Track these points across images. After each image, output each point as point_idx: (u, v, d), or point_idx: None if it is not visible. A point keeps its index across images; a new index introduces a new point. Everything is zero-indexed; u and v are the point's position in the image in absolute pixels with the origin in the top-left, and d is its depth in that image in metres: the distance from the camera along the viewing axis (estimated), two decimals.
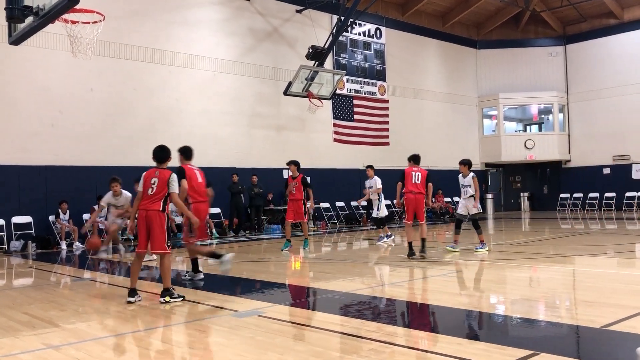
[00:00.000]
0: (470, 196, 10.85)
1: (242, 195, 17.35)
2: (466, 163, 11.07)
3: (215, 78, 18.20)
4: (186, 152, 7.91)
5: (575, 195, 25.42)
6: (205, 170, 16.99)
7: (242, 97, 18.80)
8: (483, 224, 19.65)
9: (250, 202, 17.61)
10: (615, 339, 4.59)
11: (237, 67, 18.73)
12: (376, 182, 13.18)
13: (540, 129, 28.82)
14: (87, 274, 9.91)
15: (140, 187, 6.72)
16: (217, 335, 4.98)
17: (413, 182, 10.26)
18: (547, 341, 4.75)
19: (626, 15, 25.44)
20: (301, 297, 7.20)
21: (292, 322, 5.46)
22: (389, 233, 13.25)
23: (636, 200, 23.37)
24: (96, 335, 5.13)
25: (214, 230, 16.51)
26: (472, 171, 11.17)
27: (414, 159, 10.57)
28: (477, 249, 10.68)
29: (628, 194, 24.01)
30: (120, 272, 10.18)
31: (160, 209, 6.62)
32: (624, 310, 5.52)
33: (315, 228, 18.69)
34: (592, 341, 4.69)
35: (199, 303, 6.53)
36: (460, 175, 11.17)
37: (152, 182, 6.72)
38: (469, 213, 10.90)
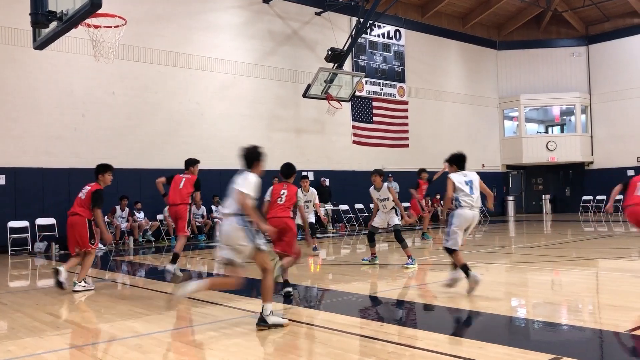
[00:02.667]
0: (391, 208, 9.53)
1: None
2: (379, 173, 9.54)
3: (235, 81, 18.31)
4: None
5: (599, 197, 25.01)
6: (226, 174, 16.99)
7: (261, 100, 18.89)
8: (504, 227, 19.48)
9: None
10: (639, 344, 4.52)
11: (256, 70, 18.83)
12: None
13: (562, 131, 28.47)
14: (109, 275, 10.03)
15: (268, 197, 7.37)
16: (238, 336, 5.00)
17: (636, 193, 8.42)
18: (569, 345, 4.69)
19: None
20: (321, 299, 7.20)
21: (311, 324, 5.47)
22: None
23: None
24: (118, 336, 5.19)
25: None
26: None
27: None
28: (406, 264, 9.27)
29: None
30: (141, 273, 10.28)
31: (291, 216, 7.26)
32: None
33: (334, 230, 18.69)
34: (616, 346, 4.62)
35: (219, 304, 6.57)
36: (372, 188, 9.61)
37: (282, 193, 7.30)
38: (388, 224, 9.60)
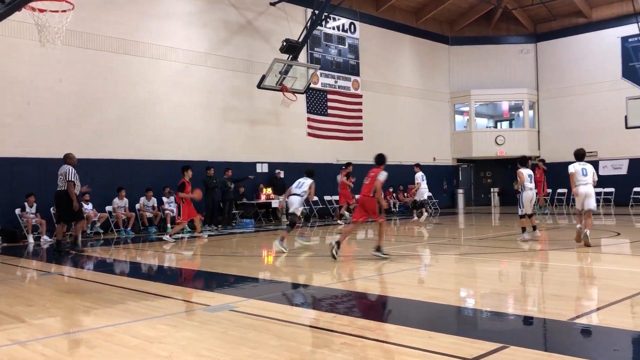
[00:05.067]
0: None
1: (216, 189, 17.20)
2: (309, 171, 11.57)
3: (188, 70, 18.00)
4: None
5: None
6: (179, 164, 16.77)
7: (215, 90, 18.64)
8: (454, 219, 19.93)
9: (223, 196, 17.46)
10: (582, 332, 4.70)
11: (210, 60, 18.55)
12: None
13: (510, 125, 29.24)
14: (55, 268, 9.72)
15: (366, 181, 9.35)
16: (189, 330, 4.94)
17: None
18: (515, 334, 4.84)
19: (594, 15, 25.97)
20: (274, 291, 7.18)
21: (264, 317, 5.45)
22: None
23: (603, 196, 23.89)
24: (64, 331, 5.04)
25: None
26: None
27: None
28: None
29: (596, 189, 24.48)
30: (89, 266, 10.02)
31: (372, 194, 9.18)
32: (590, 303, 5.65)
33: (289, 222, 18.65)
34: (559, 334, 4.79)
35: (170, 297, 6.47)
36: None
37: (370, 175, 9.30)
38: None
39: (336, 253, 8.97)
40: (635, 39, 24.24)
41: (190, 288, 7.19)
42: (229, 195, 17.49)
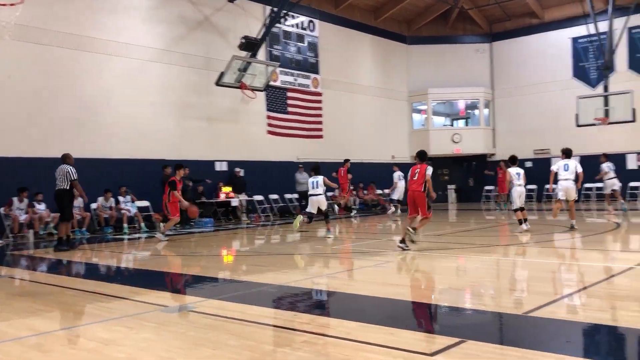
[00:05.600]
0: None
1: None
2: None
3: (144, 67, 17.64)
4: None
5: (487, 187, 26.42)
6: (135, 163, 16.51)
7: (172, 87, 18.33)
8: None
9: (182, 195, 17.15)
10: (536, 325, 4.82)
11: (166, 56, 18.23)
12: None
13: (466, 124, 29.80)
14: (5, 271, 9.40)
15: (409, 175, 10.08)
16: (147, 331, 4.85)
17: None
18: (474, 328, 4.93)
19: (547, 16, 26.70)
20: (233, 290, 7.12)
21: (224, 317, 5.40)
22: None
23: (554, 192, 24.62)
24: (17, 335, 4.87)
25: (142, 224, 16.09)
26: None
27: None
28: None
29: (547, 186, 25.17)
30: (43, 268, 9.73)
31: (422, 189, 9.78)
32: (544, 297, 5.81)
33: (249, 221, 18.56)
34: (514, 327, 4.91)
35: (127, 299, 6.34)
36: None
37: (415, 171, 9.90)
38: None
39: (412, 241, 9.67)
40: (585, 39, 25.03)
41: (148, 289, 7.06)
42: (187, 194, 17.22)
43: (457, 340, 4.23)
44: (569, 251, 9.99)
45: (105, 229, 15.66)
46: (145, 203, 16.80)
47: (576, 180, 12.19)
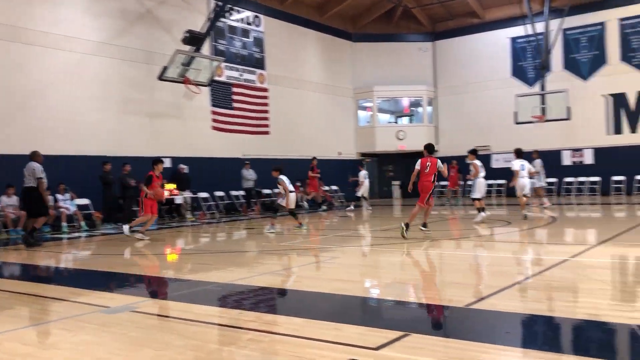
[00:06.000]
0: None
1: (113, 185, 16.44)
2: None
3: (83, 60, 17.05)
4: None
5: (443, 183, 27.01)
6: (74, 159, 15.98)
7: (112, 82, 17.80)
8: (358, 212, 20.40)
9: (123, 192, 16.74)
10: (477, 316, 4.95)
11: (106, 50, 17.68)
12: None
13: (410, 121, 30.31)
14: None
15: (417, 167, 10.86)
16: (87, 333, 4.69)
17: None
18: (417, 322, 5.02)
19: (487, 16, 27.47)
20: (177, 290, 6.99)
21: (167, 317, 5.29)
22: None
23: (495, 187, 25.40)
24: None
25: (82, 223, 15.57)
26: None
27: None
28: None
29: (488, 182, 25.93)
30: None
31: (432, 180, 10.75)
32: (485, 289, 5.98)
33: (194, 218, 18.26)
34: (457, 320, 5.02)
35: (66, 300, 6.12)
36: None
37: (427, 164, 10.66)
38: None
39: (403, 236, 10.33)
40: (523, 39, 25.89)
41: (88, 289, 6.83)
42: (129, 192, 16.77)
43: (401, 333, 4.29)
44: (506, 245, 10.32)
45: (43, 228, 15.05)
46: (85, 201, 16.27)
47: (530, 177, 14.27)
